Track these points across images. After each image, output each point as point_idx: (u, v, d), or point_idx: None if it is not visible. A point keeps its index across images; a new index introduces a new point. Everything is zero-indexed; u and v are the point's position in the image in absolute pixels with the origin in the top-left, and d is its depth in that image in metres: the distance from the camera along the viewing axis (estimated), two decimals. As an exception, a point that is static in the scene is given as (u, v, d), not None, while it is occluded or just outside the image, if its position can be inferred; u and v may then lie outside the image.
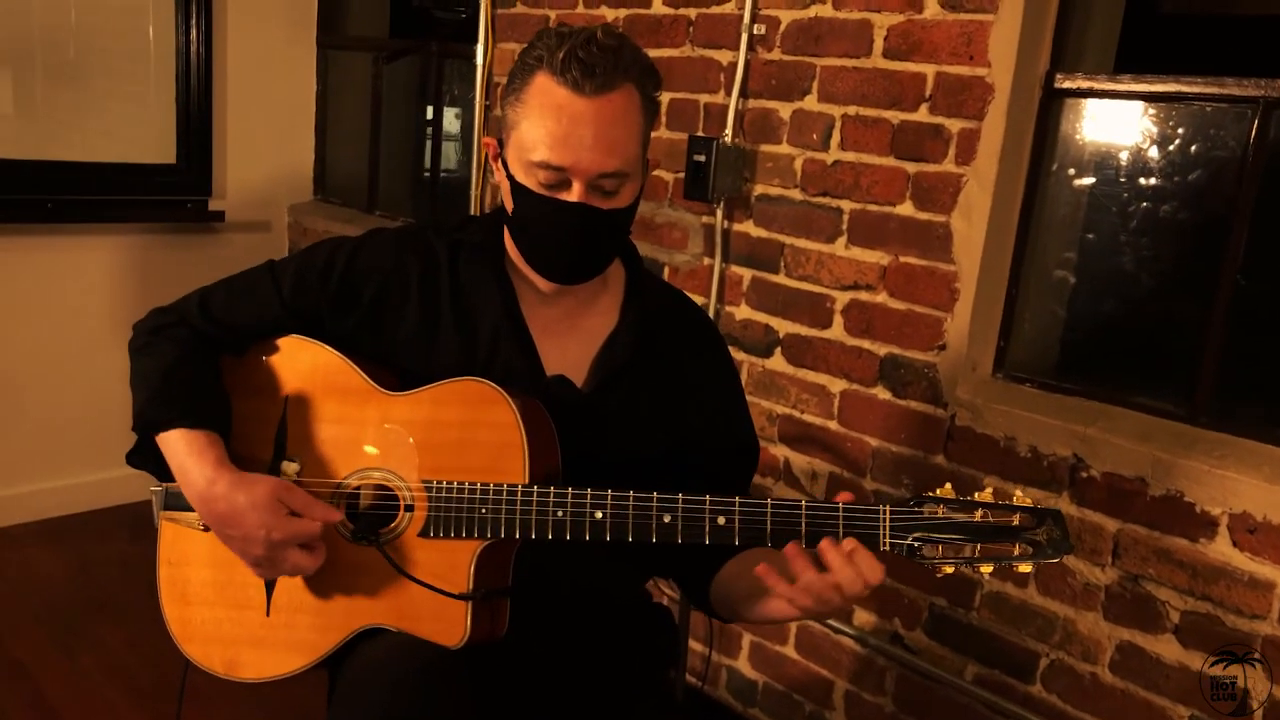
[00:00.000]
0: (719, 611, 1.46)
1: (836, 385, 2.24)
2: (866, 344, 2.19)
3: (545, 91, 1.26)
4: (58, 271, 3.23)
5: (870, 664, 2.23)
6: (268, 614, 1.38)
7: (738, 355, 2.41)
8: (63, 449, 3.29)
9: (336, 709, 1.27)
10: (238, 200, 3.54)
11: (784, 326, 2.33)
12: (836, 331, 2.23)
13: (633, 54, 1.30)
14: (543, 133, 1.26)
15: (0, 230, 3.12)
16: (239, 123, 3.52)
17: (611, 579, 1.49)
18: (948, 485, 1.17)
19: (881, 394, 2.17)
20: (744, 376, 2.41)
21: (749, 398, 2.36)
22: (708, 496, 1.22)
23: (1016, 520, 1.14)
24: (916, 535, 1.15)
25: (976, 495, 1.16)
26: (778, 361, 2.35)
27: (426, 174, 3.54)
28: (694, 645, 2.52)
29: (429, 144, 3.50)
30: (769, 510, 1.19)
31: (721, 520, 1.21)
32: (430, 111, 3.49)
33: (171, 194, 3.41)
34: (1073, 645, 1.92)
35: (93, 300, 3.27)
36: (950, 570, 1.15)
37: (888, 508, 1.16)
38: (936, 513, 1.15)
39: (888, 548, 1.16)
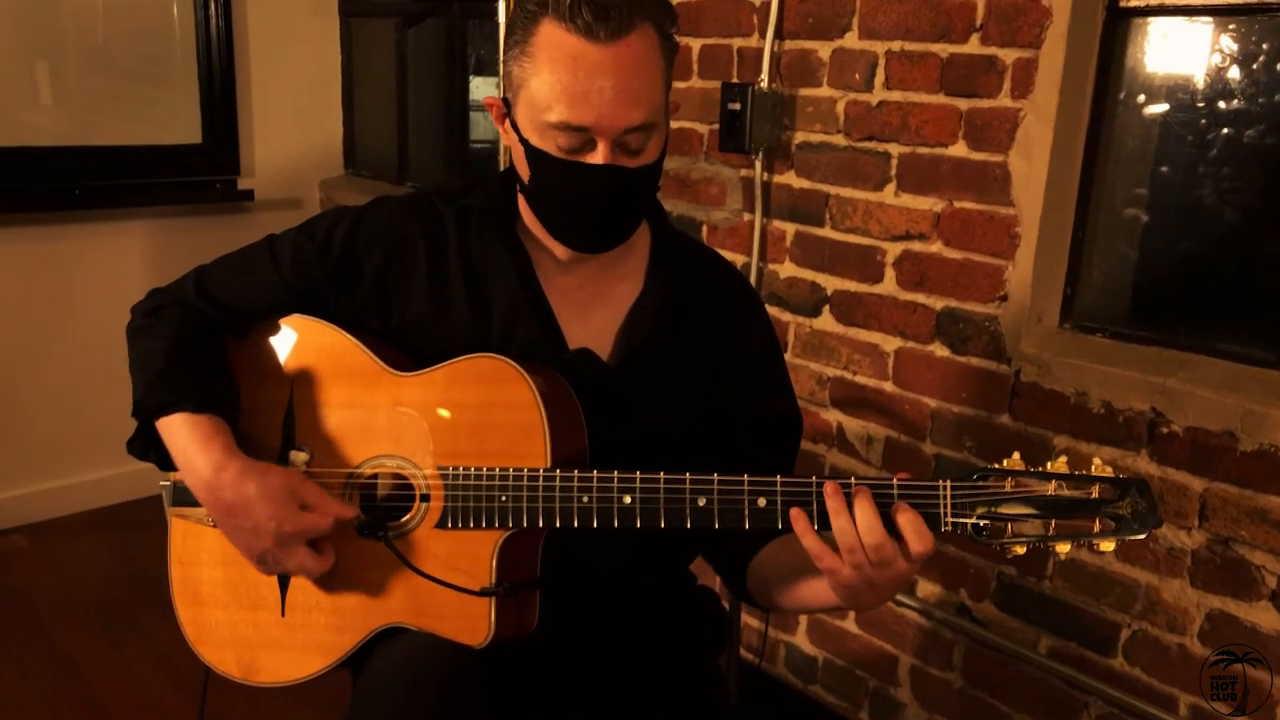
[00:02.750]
0: (756, 598, 1.34)
1: (890, 344, 2.10)
2: (921, 298, 2.04)
3: (554, 42, 1.13)
4: (89, 259, 3.19)
5: (936, 637, 2.10)
6: (283, 614, 1.30)
7: (783, 316, 2.28)
8: (105, 438, 3.26)
9: (351, 715, 1.19)
10: (267, 178, 3.46)
11: (832, 283, 2.19)
12: (888, 286, 2.09)
13: None
14: (557, 89, 1.13)
15: (30, 220, 3.08)
16: (264, 98, 3.44)
17: (651, 563, 1.38)
18: (1016, 455, 1.03)
19: (939, 351, 2.02)
20: (791, 337, 2.27)
21: (796, 360, 2.23)
22: (745, 476, 1.10)
23: (1096, 492, 1.00)
24: (982, 513, 1.02)
25: (1049, 465, 1.02)
26: (826, 321, 2.21)
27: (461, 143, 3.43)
28: (750, 621, 2.41)
29: (458, 111, 3.39)
30: (815, 490, 1.07)
31: (762, 502, 1.09)
32: (458, 76, 3.37)
33: (199, 175, 3.35)
34: (1157, 615, 1.77)
35: (126, 286, 3.18)
36: (1021, 551, 1.02)
37: (948, 483, 1.03)
38: (1004, 486, 1.02)
39: (950, 528, 1.03)
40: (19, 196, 3.05)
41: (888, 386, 2.12)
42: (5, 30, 3.00)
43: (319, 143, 3.63)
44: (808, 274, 2.23)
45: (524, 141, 1.20)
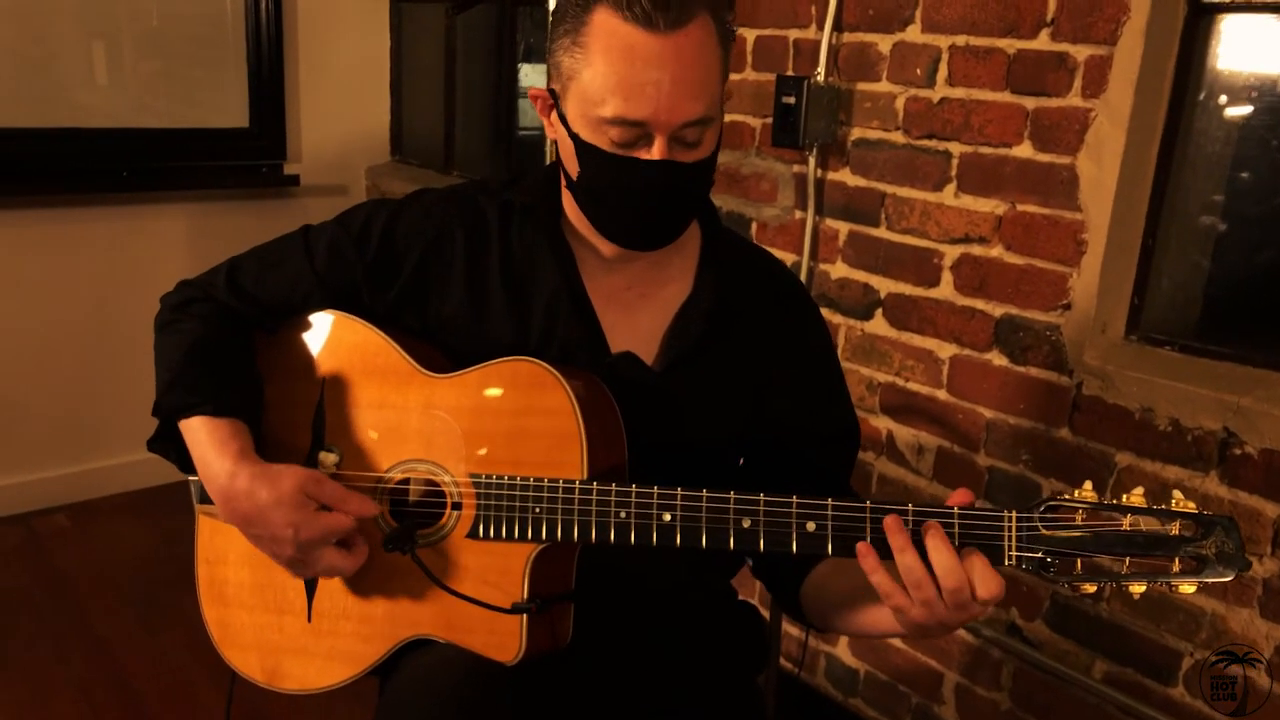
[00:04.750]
0: (811, 619, 1.28)
1: (946, 350, 2.02)
2: (980, 304, 1.95)
3: (609, 31, 1.07)
4: (135, 241, 3.19)
5: (984, 656, 2.02)
6: (309, 620, 1.26)
7: (834, 318, 2.20)
8: (148, 419, 3.26)
9: (377, 730, 1.15)
10: (313, 163, 3.45)
11: (886, 285, 2.11)
12: (945, 290, 2.01)
13: None
14: (613, 81, 1.07)
15: (78, 201, 3.09)
16: (313, 83, 3.42)
17: (691, 578, 1.33)
18: (1088, 485, 0.96)
19: (997, 360, 1.94)
20: (841, 340, 2.20)
21: (846, 364, 2.16)
22: (794, 498, 1.03)
23: (1176, 528, 0.93)
24: (1049, 547, 0.95)
25: (1125, 497, 0.94)
26: (879, 324, 2.13)
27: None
28: (790, 630, 2.34)
29: (506, 99, 3.34)
30: (868, 515, 1.00)
31: (811, 526, 1.02)
32: (507, 64, 3.32)
33: (245, 159, 3.33)
34: (1222, 645, 1.68)
35: (170, 269, 3.17)
36: (1091, 590, 0.94)
37: (1014, 513, 0.96)
38: (1074, 519, 0.94)
39: (1013, 562, 0.96)
40: (68, 178, 3.06)
41: (941, 394, 2.04)
42: (65, 9, 3.00)
43: (366, 129, 3.60)
44: (860, 275, 2.16)
45: (573, 136, 1.14)
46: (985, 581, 0.95)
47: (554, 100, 1.17)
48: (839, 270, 2.19)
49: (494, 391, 1.18)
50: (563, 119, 1.15)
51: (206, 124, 3.28)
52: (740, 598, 1.48)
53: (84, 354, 3.17)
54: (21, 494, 3.15)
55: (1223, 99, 1.74)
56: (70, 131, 3.05)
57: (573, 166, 1.17)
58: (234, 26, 3.29)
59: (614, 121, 1.09)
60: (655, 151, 1.10)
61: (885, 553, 0.99)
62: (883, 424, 2.15)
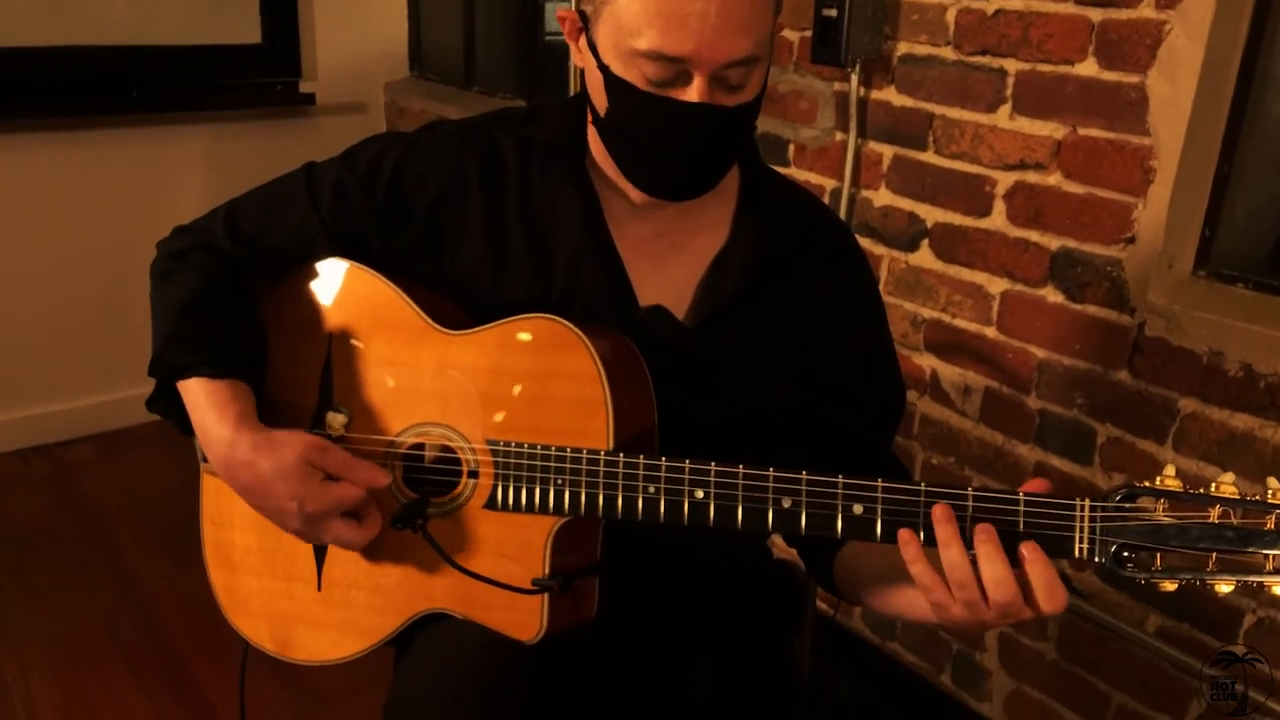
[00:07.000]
0: (843, 592, 1.19)
1: (996, 285, 1.90)
2: (1034, 235, 1.82)
3: None
4: (150, 164, 3.09)
5: (1030, 605, 1.94)
6: (319, 589, 1.19)
7: (876, 249, 2.08)
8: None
9: (390, 710, 1.08)
10: (329, 81, 3.31)
11: (932, 214, 1.98)
12: (997, 220, 1.87)
13: None
14: (651, 10, 0.95)
15: (92, 123, 2.98)
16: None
17: (723, 540, 1.24)
18: (1170, 469, 0.85)
19: (1052, 296, 1.81)
20: (884, 273, 2.08)
21: (889, 299, 2.05)
22: (840, 477, 0.93)
23: (1271, 523, 0.82)
24: (1126, 541, 0.85)
25: (1215, 486, 0.84)
26: (924, 256, 2.00)
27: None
28: (825, 570, 2.28)
29: (530, 7, 3.17)
30: (923, 499, 0.90)
31: (858, 509, 0.93)
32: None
33: (258, 77, 3.20)
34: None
35: (189, 193, 3.12)
36: (1172, 588, 0.85)
37: (1086, 502, 0.86)
38: (1155, 511, 0.84)
39: (1084, 555, 0.86)
40: (77, 98, 2.95)
41: (990, 332, 1.92)
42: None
43: (383, 43, 3.45)
44: (905, 203, 2.02)
45: (603, 68, 1.02)
46: (1050, 594, 0.86)
47: (583, 24, 1.05)
48: (882, 197, 2.06)
49: (513, 352, 1.08)
50: (592, 47, 1.04)
51: (217, 40, 3.14)
52: (777, 557, 1.41)
53: (107, 280, 3.09)
54: (47, 424, 3.13)
55: (1315, 10, 1.58)
56: (78, 50, 2.92)
57: (600, 102, 1.06)
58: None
59: (649, 56, 0.97)
60: (694, 93, 0.99)
61: (929, 539, 0.89)
62: (927, 362, 2.03)
